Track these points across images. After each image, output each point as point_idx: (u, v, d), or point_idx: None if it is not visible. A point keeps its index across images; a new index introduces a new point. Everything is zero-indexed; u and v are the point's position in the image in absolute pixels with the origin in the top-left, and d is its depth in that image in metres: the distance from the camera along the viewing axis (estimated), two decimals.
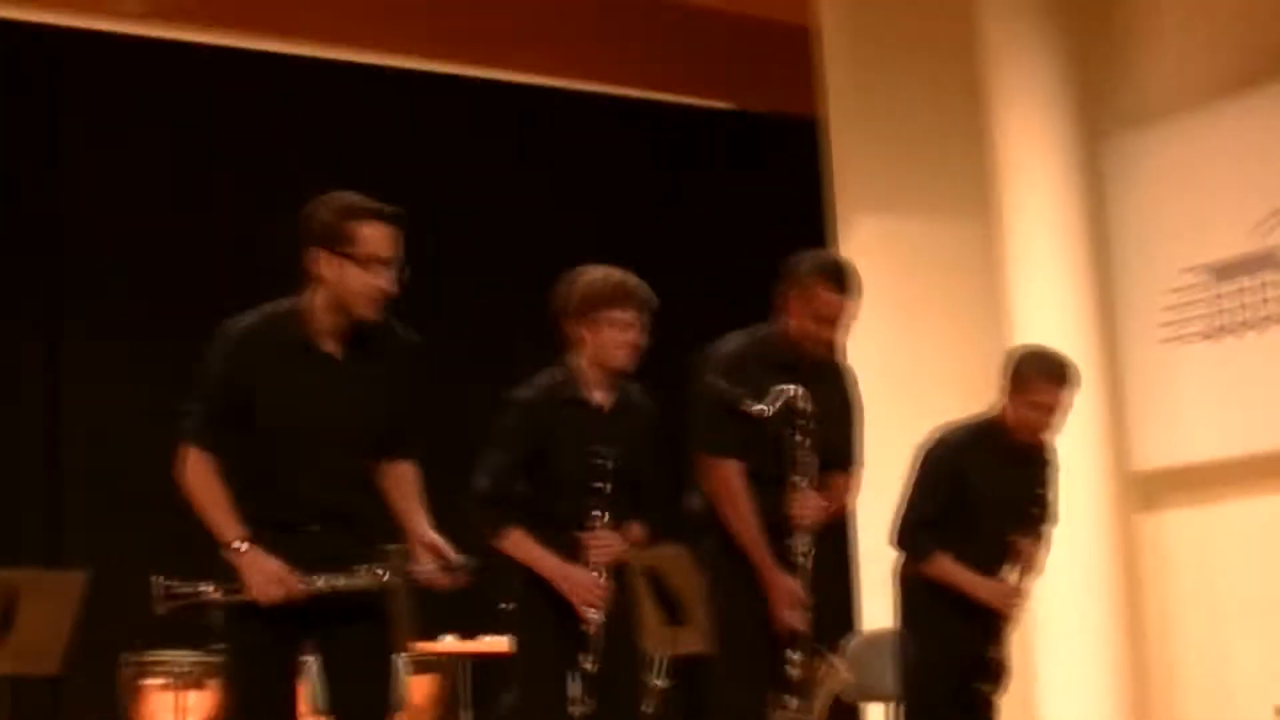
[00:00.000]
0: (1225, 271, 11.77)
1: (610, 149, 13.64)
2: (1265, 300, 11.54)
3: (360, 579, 4.57)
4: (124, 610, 10.80)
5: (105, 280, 11.74)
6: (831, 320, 5.71)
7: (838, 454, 5.75)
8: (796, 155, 13.44)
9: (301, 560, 4.55)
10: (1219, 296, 11.79)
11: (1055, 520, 6.31)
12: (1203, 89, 12.07)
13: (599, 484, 5.37)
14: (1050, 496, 6.26)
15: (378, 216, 4.61)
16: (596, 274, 5.61)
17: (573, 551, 5.41)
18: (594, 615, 5.35)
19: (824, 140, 12.95)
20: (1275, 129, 11.57)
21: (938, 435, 6.27)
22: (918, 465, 6.19)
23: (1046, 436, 6.21)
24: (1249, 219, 11.63)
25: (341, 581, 4.54)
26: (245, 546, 4.50)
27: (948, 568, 6.04)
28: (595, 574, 5.38)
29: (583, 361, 5.57)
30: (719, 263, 12.91)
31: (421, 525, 4.80)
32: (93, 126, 11.78)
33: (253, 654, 4.60)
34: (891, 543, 6.18)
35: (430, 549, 4.75)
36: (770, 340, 5.78)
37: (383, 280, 4.57)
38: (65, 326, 11.69)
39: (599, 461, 5.36)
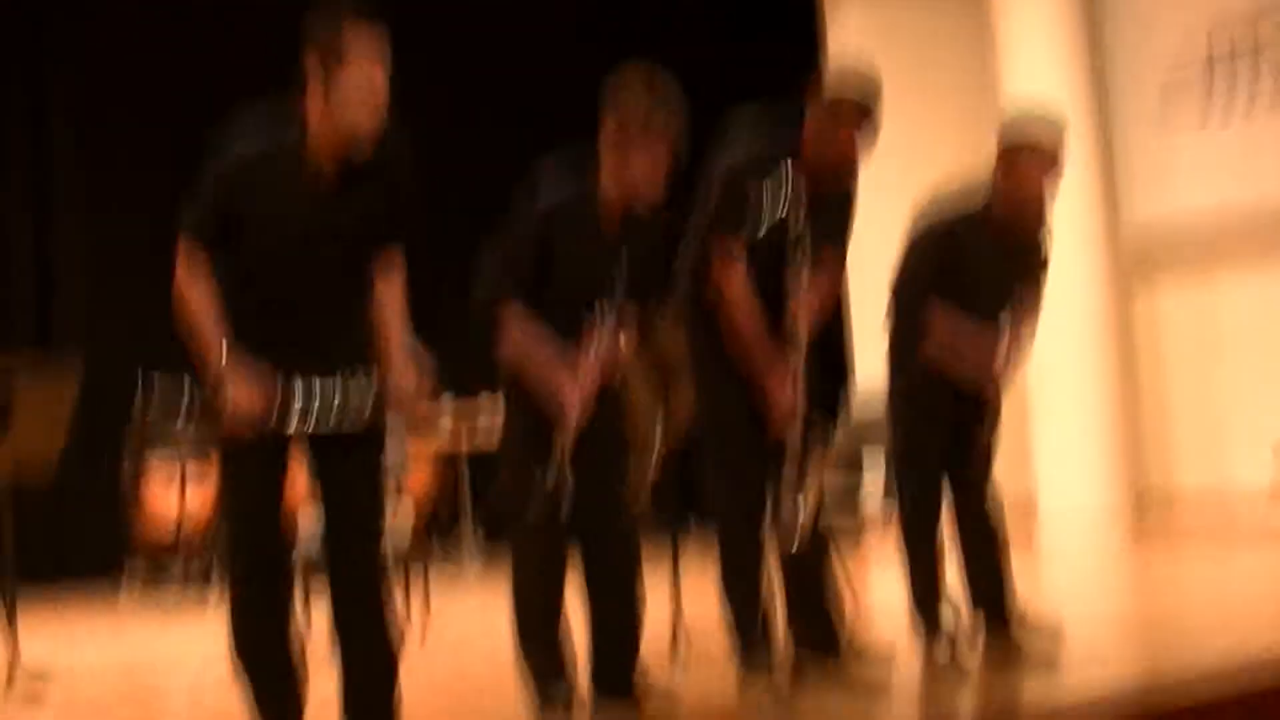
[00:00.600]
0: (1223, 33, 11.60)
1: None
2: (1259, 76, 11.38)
3: (342, 380, 4.57)
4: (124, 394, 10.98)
5: (94, 58, 11.64)
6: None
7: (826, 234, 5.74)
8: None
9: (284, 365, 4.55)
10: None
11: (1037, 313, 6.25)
12: None
13: (604, 296, 5.26)
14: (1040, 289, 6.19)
15: (361, 16, 4.52)
16: (635, 95, 5.28)
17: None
18: (571, 421, 5.18)
19: None
20: None
21: (925, 224, 6.16)
22: (907, 247, 6.10)
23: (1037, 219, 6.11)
24: None
25: (318, 420, 4.54)
26: (229, 365, 4.45)
27: (943, 325, 5.99)
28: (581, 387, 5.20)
29: (609, 182, 5.33)
30: (714, 61, 12.72)
31: (393, 346, 4.73)
32: None
33: (243, 453, 4.56)
34: (887, 317, 6.15)
35: (397, 370, 4.68)
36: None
37: (377, 90, 4.51)
38: (54, 106, 11.62)
39: (608, 280, 5.25)
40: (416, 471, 10.31)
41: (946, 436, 6.06)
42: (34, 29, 11.59)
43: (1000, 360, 6.02)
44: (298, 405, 4.56)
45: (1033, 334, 6.20)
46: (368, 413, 4.65)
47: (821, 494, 5.55)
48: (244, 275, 4.60)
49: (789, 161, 5.56)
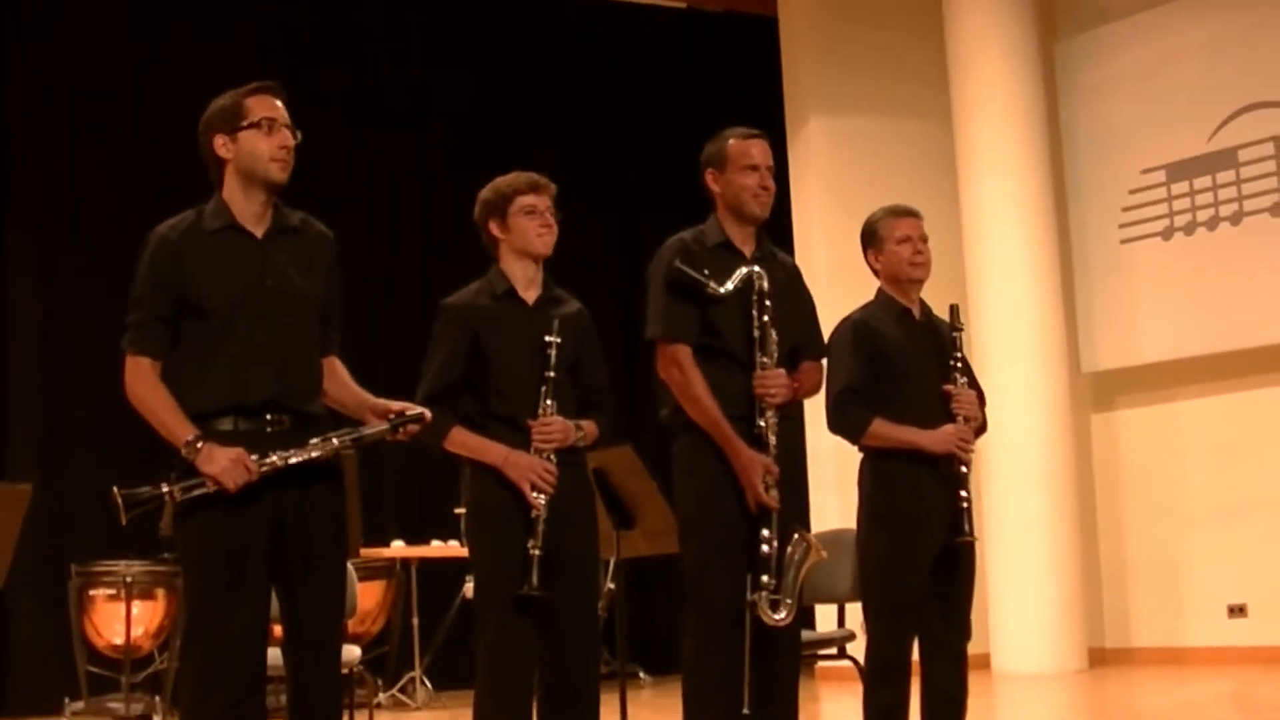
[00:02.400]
0: (1181, 171, 11.75)
1: (564, 49, 13.57)
2: (1220, 201, 11.53)
3: (315, 449, 4.61)
4: (70, 522, 10.88)
5: (50, 192, 11.62)
6: (757, 166, 5.63)
7: (806, 342, 5.69)
8: (752, 54, 13.38)
9: (257, 450, 4.55)
10: (1175, 197, 11.79)
11: (980, 391, 6.21)
12: None
13: (546, 372, 5.41)
14: (962, 346, 6.16)
15: (261, 90, 4.80)
16: (495, 180, 5.72)
17: (525, 445, 5.43)
18: (539, 498, 5.36)
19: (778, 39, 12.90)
20: (1231, 29, 11.54)
21: (838, 324, 6.17)
22: (829, 351, 6.08)
23: (926, 274, 6.11)
24: (1206, 119, 11.62)
25: (295, 455, 4.57)
26: (200, 443, 4.52)
27: (886, 430, 5.94)
28: (541, 458, 5.41)
29: (509, 261, 5.63)
30: (674, 163, 12.82)
31: (366, 396, 4.88)
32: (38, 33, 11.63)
33: (213, 552, 4.57)
34: (829, 427, 6.09)
35: (380, 411, 4.82)
36: (715, 229, 5.69)
37: (284, 138, 4.74)
38: (8, 236, 11.55)
39: (546, 350, 5.42)
40: (365, 605, 10.20)
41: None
42: None
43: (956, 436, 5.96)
44: (275, 459, 4.58)
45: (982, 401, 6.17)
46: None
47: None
48: (207, 344, 4.65)
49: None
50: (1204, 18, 11.70)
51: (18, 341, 11.44)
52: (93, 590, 9.87)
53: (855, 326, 6.07)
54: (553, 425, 5.46)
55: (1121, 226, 12.10)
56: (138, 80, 11.90)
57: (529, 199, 5.60)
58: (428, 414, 4.87)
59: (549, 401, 5.46)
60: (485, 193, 5.67)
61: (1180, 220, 11.77)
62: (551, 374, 5.46)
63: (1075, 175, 12.40)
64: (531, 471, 5.40)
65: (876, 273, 6.16)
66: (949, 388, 6.03)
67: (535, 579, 5.28)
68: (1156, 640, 11.89)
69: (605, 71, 13.75)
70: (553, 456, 5.44)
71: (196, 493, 4.53)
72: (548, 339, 5.46)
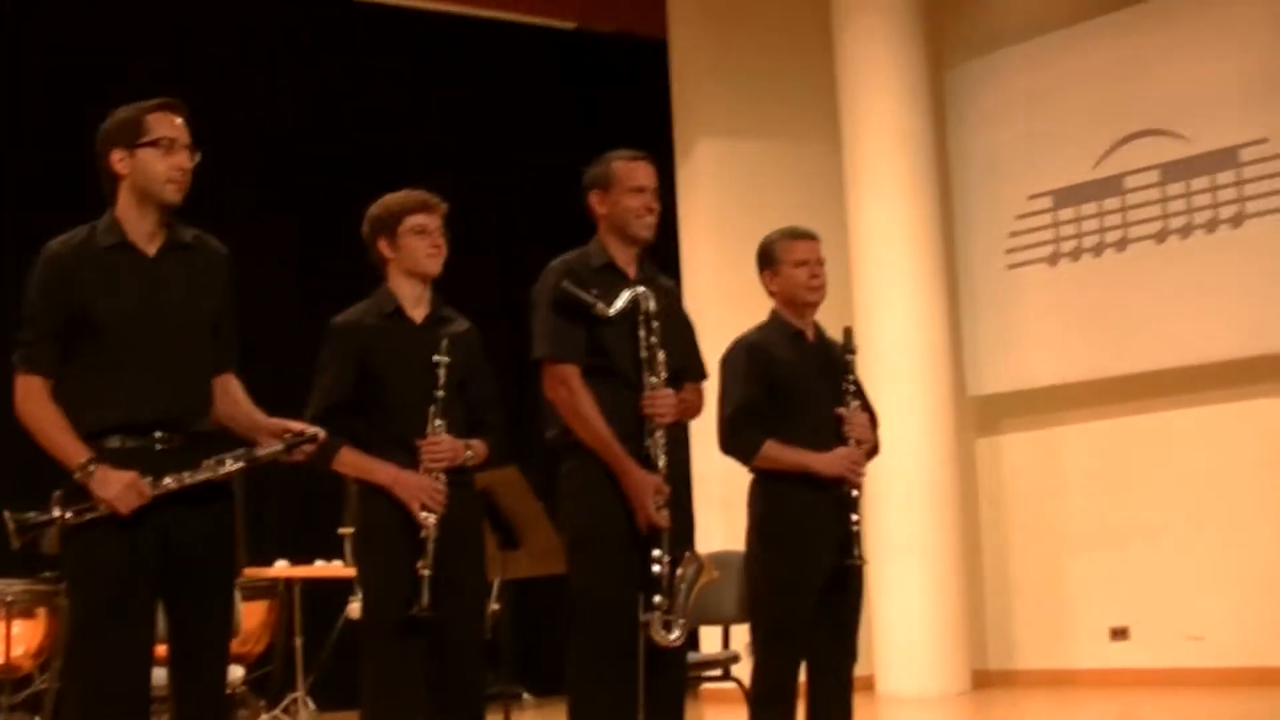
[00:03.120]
0: (1067, 198, 11.86)
1: (452, 66, 13.50)
2: (1105, 228, 11.65)
3: (208, 470, 4.57)
4: None
5: None
6: (643, 188, 5.62)
7: (688, 364, 5.69)
8: (642, 76, 13.38)
9: (148, 469, 4.52)
10: (1061, 223, 11.89)
11: (873, 412, 6.22)
12: (1046, 18, 12.17)
13: (434, 390, 5.39)
14: (858, 381, 6.18)
15: (162, 106, 4.76)
16: (385, 197, 5.70)
17: (413, 464, 5.42)
18: (429, 518, 5.33)
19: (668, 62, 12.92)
20: (1117, 57, 11.67)
21: (732, 343, 6.18)
22: (721, 372, 6.09)
23: (821, 298, 6.12)
24: (1092, 146, 11.73)
25: (189, 478, 4.54)
26: (93, 466, 4.49)
27: (779, 452, 5.94)
28: (430, 477, 5.38)
29: (397, 280, 5.60)
30: (562, 184, 12.80)
31: (260, 416, 4.83)
32: None
33: (99, 572, 4.52)
34: (721, 448, 6.08)
35: (273, 430, 4.77)
36: (599, 251, 5.68)
37: (181, 160, 4.70)
38: None
39: (435, 370, 5.40)
40: (249, 624, 10.09)
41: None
42: None
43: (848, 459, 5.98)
44: (169, 482, 4.54)
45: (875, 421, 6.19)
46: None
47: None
48: (93, 366, 4.60)
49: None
50: (1092, 45, 11.81)
51: None
52: None
53: (749, 348, 6.08)
54: (442, 444, 5.43)
55: (1008, 252, 12.20)
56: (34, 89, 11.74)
57: (419, 219, 5.57)
58: (322, 434, 4.82)
59: (438, 421, 5.42)
60: (375, 209, 5.64)
61: (1066, 246, 11.87)
62: (440, 393, 5.43)
63: (964, 200, 12.48)
64: (421, 491, 5.37)
65: (772, 294, 6.17)
66: (841, 411, 6.04)
67: (426, 599, 5.25)
68: (1040, 662, 11.96)
69: (493, 90, 13.69)
70: (442, 476, 5.40)
71: (88, 516, 4.49)
72: (436, 358, 5.43)
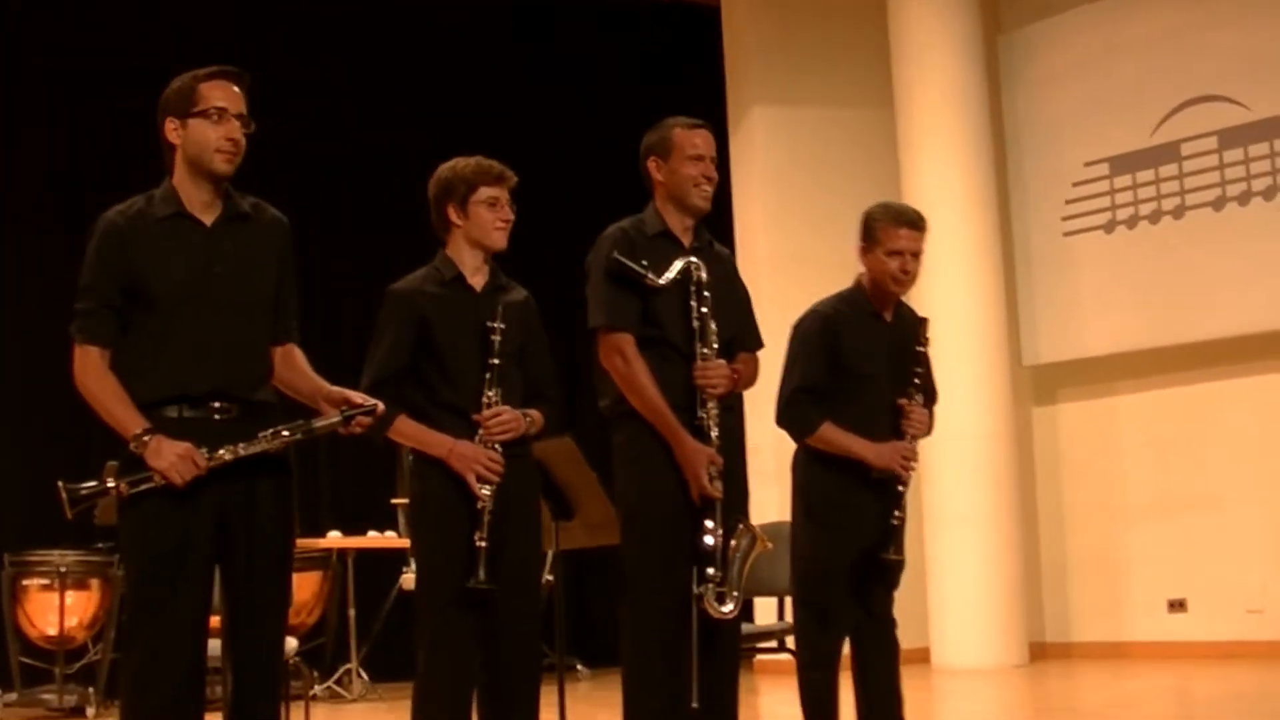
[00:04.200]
0: (1124, 164, 11.75)
1: (504, 37, 13.51)
2: (1162, 195, 11.54)
3: (264, 442, 4.55)
4: (0, 511, 10.75)
5: None
6: (701, 157, 5.56)
7: (743, 333, 5.64)
8: (694, 44, 13.32)
9: (205, 439, 4.51)
10: (1118, 190, 11.79)
11: (935, 396, 6.18)
12: None
13: (490, 359, 5.30)
14: (928, 364, 6.12)
15: (217, 75, 4.70)
16: (457, 161, 5.55)
17: (469, 434, 5.32)
18: (484, 490, 5.27)
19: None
20: (1174, 22, 11.55)
21: (807, 311, 6.13)
22: (791, 341, 6.05)
23: (907, 289, 6.05)
24: (1149, 113, 11.62)
25: (244, 449, 4.52)
26: (149, 436, 4.47)
27: (833, 435, 5.89)
28: (486, 448, 5.29)
29: (459, 247, 5.50)
30: (616, 154, 12.77)
31: (320, 383, 4.78)
32: None
33: (155, 543, 4.51)
34: (777, 421, 6.04)
35: (334, 399, 4.71)
36: (654, 218, 5.63)
37: (231, 130, 4.64)
38: None
39: (490, 337, 5.30)
40: (302, 596, 10.11)
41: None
42: None
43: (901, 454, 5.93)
44: (224, 453, 4.53)
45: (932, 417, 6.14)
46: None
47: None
48: (154, 332, 4.59)
49: None
50: (1148, 11, 11.70)
51: None
52: (26, 580, 9.76)
53: (824, 322, 6.00)
54: (504, 415, 5.35)
55: (1064, 219, 12.10)
56: (79, 65, 11.73)
57: (492, 190, 5.45)
58: (380, 406, 4.75)
59: (491, 391, 5.34)
60: (445, 173, 5.50)
61: (1122, 214, 11.77)
62: (495, 361, 5.34)
63: (1018, 167, 12.39)
64: (477, 463, 5.29)
65: (861, 267, 6.09)
66: (903, 401, 5.98)
67: (482, 572, 5.19)
68: (1097, 635, 11.90)
69: (546, 60, 13.67)
70: (498, 446, 5.33)
71: (143, 487, 4.47)
72: (490, 324, 5.34)
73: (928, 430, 6.08)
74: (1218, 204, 11.26)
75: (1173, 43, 11.52)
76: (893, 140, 11.92)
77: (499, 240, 5.47)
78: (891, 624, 6.04)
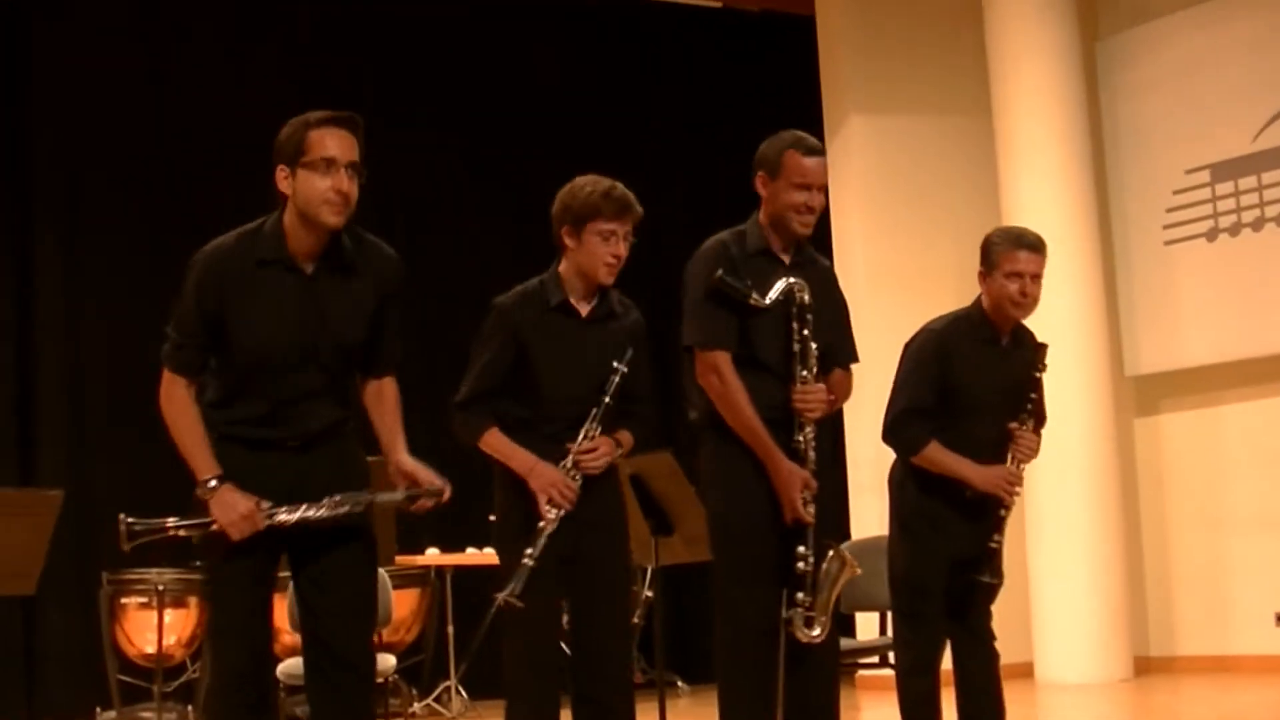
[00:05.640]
0: (1226, 171, 11.59)
1: (599, 47, 13.51)
2: (1265, 202, 11.37)
3: (326, 508, 4.58)
4: (100, 529, 10.80)
5: (79, 198, 11.50)
6: (809, 186, 5.49)
7: (837, 350, 5.59)
8: (790, 54, 13.26)
9: (275, 478, 4.59)
10: (1220, 198, 11.63)
11: (1044, 420, 6.12)
12: None
13: (604, 397, 5.32)
14: (1040, 389, 6.07)
15: (328, 122, 4.61)
16: (585, 184, 5.47)
17: (555, 453, 5.32)
18: (552, 513, 5.25)
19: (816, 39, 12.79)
20: (1275, 26, 11.37)
21: (922, 328, 6.10)
22: (903, 359, 6.02)
23: (1027, 313, 6.01)
24: (1250, 118, 11.45)
25: (304, 514, 4.57)
26: (215, 483, 4.53)
27: (939, 455, 5.85)
28: (565, 474, 5.28)
29: (569, 268, 5.46)
30: (711, 165, 12.77)
31: (398, 449, 4.81)
32: (60, 44, 11.54)
33: (229, 570, 4.61)
34: (883, 438, 6.00)
35: (404, 475, 4.76)
36: (756, 234, 5.57)
37: (339, 182, 4.54)
38: (34, 238, 11.42)
39: (611, 376, 5.32)
40: (400, 613, 10.10)
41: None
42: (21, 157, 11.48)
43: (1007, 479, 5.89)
44: (283, 516, 4.59)
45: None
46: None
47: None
48: (240, 374, 4.63)
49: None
50: (1247, 15, 11.53)
51: (45, 345, 11.31)
52: (124, 598, 9.78)
53: (939, 343, 5.99)
54: (600, 450, 5.36)
55: (1165, 227, 11.94)
56: (160, 80, 11.77)
57: (610, 225, 5.39)
58: (447, 492, 4.79)
59: (594, 425, 5.36)
60: (567, 197, 5.45)
61: (1225, 221, 11.60)
62: (607, 400, 5.36)
63: (1118, 175, 12.24)
64: (553, 487, 5.30)
65: (982, 291, 6.05)
66: (1013, 426, 5.95)
67: (519, 588, 5.21)
68: (1202, 649, 11.72)
69: (640, 71, 13.66)
70: (579, 476, 5.33)
71: (199, 533, 4.60)
72: (615, 365, 5.36)
73: (1035, 455, 6.02)
74: None
75: (1274, 46, 11.34)
76: (991, 148, 11.80)
77: (605, 277, 5.43)
78: (989, 636, 6.01)
